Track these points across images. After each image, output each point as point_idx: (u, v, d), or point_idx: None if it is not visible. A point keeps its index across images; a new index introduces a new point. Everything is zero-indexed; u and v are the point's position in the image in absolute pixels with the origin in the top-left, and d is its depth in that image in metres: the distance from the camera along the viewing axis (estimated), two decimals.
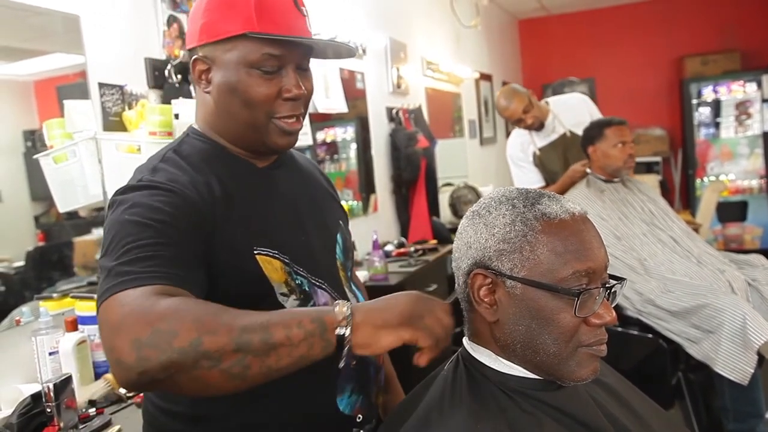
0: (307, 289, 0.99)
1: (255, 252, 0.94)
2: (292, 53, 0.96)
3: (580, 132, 2.80)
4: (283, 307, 0.94)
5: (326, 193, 1.18)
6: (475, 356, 0.90)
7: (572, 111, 3.16)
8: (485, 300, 0.86)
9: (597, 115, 3.15)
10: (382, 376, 1.14)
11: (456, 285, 0.93)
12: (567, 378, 0.84)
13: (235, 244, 0.93)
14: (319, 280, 1.02)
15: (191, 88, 2.16)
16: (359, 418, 1.04)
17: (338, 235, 1.12)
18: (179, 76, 2.12)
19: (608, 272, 0.87)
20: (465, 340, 0.94)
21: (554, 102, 3.25)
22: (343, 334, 0.76)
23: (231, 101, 0.97)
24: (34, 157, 1.72)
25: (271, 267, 0.95)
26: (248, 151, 1.02)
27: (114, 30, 1.94)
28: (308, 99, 1.01)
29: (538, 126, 3.12)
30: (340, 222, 1.16)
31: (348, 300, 0.97)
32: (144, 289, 0.77)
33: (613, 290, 0.85)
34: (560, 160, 3.11)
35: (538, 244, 0.82)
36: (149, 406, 1.03)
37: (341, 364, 0.80)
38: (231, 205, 0.95)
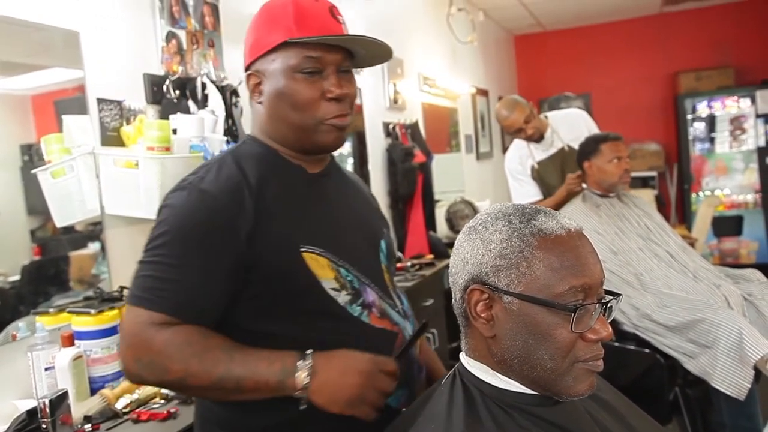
0: (356, 286, 1.07)
1: (301, 249, 1.02)
2: (330, 55, 1.05)
3: (577, 147, 2.81)
4: (335, 301, 1.04)
5: (370, 204, 1.26)
6: (471, 371, 0.90)
7: (570, 126, 3.18)
8: (482, 315, 0.86)
9: (594, 129, 3.17)
10: (423, 375, 1.18)
11: (453, 300, 0.93)
12: (564, 393, 0.84)
13: (282, 242, 1.02)
14: (367, 280, 1.09)
15: (188, 103, 2.17)
16: None
17: (382, 242, 1.19)
18: (177, 92, 2.13)
19: (604, 287, 0.88)
20: (462, 356, 0.94)
21: (553, 116, 3.28)
22: (300, 398, 0.96)
23: (280, 106, 1.06)
24: (32, 171, 1.72)
25: (317, 264, 1.03)
26: (300, 153, 1.10)
27: (113, 46, 1.96)
28: (353, 100, 1.09)
29: (538, 137, 3.13)
30: (384, 230, 1.23)
31: (392, 300, 1.13)
32: (151, 316, 0.95)
33: (609, 305, 0.85)
34: (558, 174, 3.12)
35: (534, 260, 0.83)
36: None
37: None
38: (280, 205, 1.04)
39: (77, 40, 1.82)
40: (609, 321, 0.85)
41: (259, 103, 1.09)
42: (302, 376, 0.94)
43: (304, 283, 1.02)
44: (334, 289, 1.04)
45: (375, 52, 1.11)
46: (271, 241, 1.00)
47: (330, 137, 1.07)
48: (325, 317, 1.03)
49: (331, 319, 1.03)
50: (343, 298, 1.04)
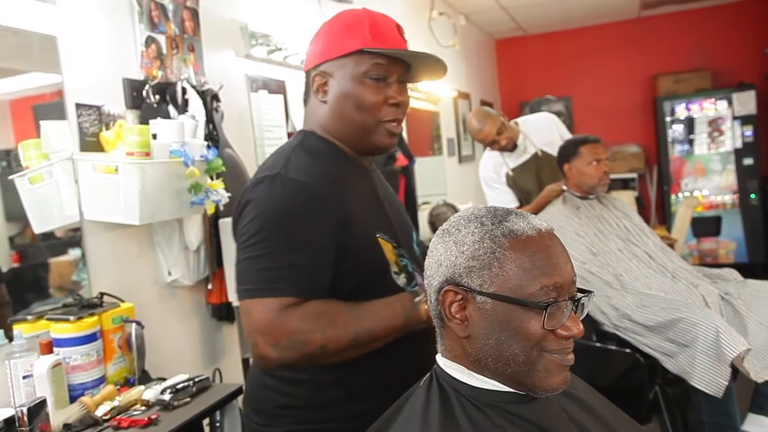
0: (410, 270, 1.20)
1: (378, 235, 1.16)
2: (396, 66, 1.17)
3: (551, 151, 2.84)
4: (395, 284, 1.17)
5: (399, 200, 1.39)
6: (448, 372, 0.91)
7: (542, 131, 3.21)
8: (456, 316, 0.87)
9: (566, 134, 3.20)
10: None
11: (428, 302, 0.94)
12: (538, 387, 0.86)
13: (365, 228, 1.14)
14: (414, 264, 1.23)
15: (169, 108, 2.16)
16: None
17: (413, 233, 1.33)
18: (157, 97, 2.12)
19: (584, 287, 0.89)
20: (438, 357, 0.95)
21: (523, 122, 3.31)
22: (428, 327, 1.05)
23: (346, 106, 1.17)
24: (9, 177, 1.70)
25: (387, 249, 1.16)
26: (355, 150, 1.22)
27: (92, 50, 1.94)
28: (406, 109, 1.21)
29: (512, 147, 3.16)
30: (412, 224, 1.37)
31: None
32: (281, 301, 1.04)
33: (581, 302, 0.87)
34: (533, 180, 3.15)
35: (506, 261, 0.84)
36: (261, 376, 1.20)
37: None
38: (355, 194, 1.16)
39: (55, 44, 1.81)
40: (582, 318, 0.87)
41: (323, 101, 1.19)
42: (424, 308, 1.09)
43: (379, 266, 1.16)
44: (395, 273, 1.17)
45: (431, 69, 1.23)
46: (358, 226, 1.13)
47: (385, 139, 1.19)
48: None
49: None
50: (401, 280, 1.18)
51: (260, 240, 1.06)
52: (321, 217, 1.08)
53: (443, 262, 0.89)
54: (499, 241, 0.85)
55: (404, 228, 1.29)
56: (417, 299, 1.09)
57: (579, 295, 0.87)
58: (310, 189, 1.09)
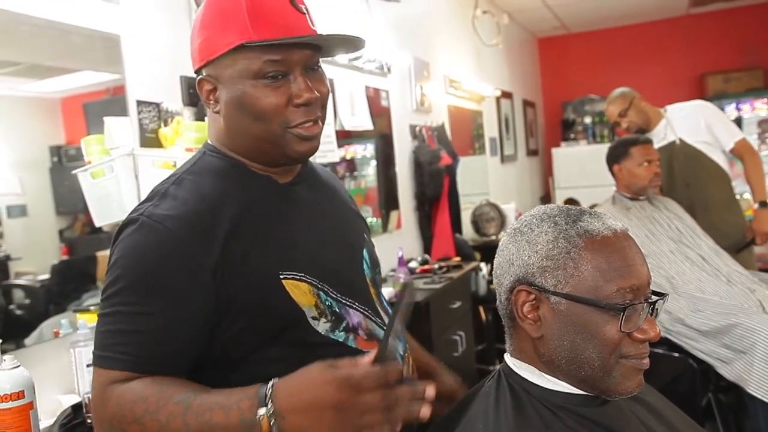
0: (337, 310, 0.96)
1: (281, 277, 0.91)
2: (296, 55, 0.90)
3: (691, 140, 2.82)
4: (315, 331, 0.92)
5: (349, 208, 1.14)
6: (518, 372, 0.91)
7: (687, 118, 3.09)
8: (529, 316, 0.87)
9: (712, 120, 3.06)
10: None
11: (498, 302, 0.94)
12: (613, 391, 0.85)
13: (259, 272, 0.90)
14: (350, 300, 0.98)
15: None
16: None
17: (364, 251, 1.09)
18: None
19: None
20: (507, 356, 0.95)
21: (672, 109, 3.20)
22: None
23: (241, 117, 0.93)
24: (73, 172, 1.75)
25: (299, 291, 0.92)
26: (268, 165, 0.98)
27: (151, 48, 1.99)
28: (324, 101, 0.96)
29: (636, 130, 3.13)
30: (365, 236, 1.12)
31: (380, 318, 1.01)
32: (109, 375, 0.84)
33: (656, 305, 0.85)
34: (665, 167, 3.04)
35: (581, 261, 0.84)
36: None
37: None
38: (251, 227, 0.92)
39: (118, 43, 1.86)
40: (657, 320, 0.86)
41: (216, 112, 0.96)
42: (265, 427, 0.77)
43: (288, 315, 0.91)
44: (313, 318, 0.92)
45: (345, 41, 0.99)
46: (247, 272, 0.89)
47: (300, 147, 0.94)
48: (311, 349, 0.90)
49: (318, 349, 0.89)
50: (322, 326, 0.93)
51: (110, 296, 0.87)
52: (183, 275, 0.86)
53: (515, 261, 0.88)
54: (574, 241, 0.85)
55: (349, 250, 1.05)
56: (261, 411, 0.77)
57: (654, 297, 0.85)
58: (175, 236, 0.86)
